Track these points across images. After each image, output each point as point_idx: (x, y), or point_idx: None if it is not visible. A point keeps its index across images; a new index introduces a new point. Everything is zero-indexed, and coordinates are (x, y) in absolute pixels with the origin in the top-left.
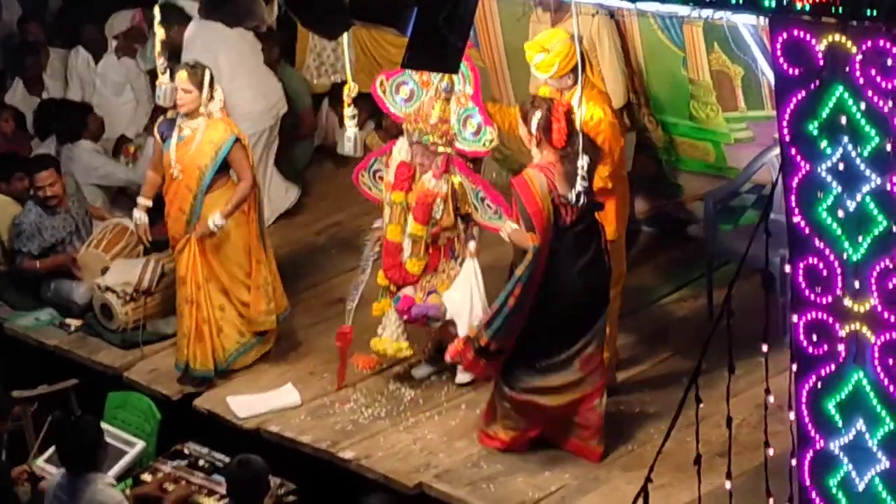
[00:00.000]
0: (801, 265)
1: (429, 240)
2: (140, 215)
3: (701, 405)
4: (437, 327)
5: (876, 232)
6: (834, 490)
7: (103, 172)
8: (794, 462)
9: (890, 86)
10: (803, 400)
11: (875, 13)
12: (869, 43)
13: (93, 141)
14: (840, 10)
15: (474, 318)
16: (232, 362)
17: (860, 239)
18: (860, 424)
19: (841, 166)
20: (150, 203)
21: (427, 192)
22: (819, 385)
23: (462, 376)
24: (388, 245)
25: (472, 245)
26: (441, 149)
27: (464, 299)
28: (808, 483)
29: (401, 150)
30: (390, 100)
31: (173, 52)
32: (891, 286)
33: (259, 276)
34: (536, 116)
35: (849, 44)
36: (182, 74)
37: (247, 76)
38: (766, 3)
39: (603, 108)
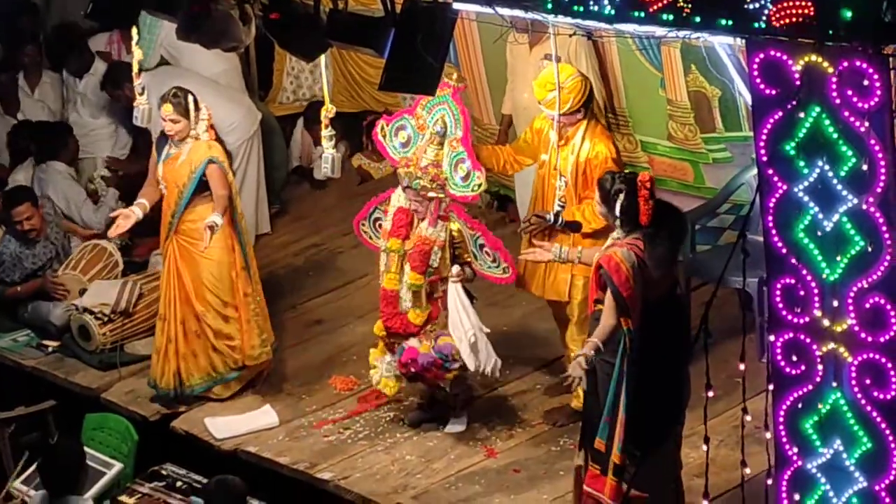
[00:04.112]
0: (779, 285)
1: (428, 289)
2: (133, 209)
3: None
4: (455, 370)
5: (853, 252)
6: None
7: (71, 200)
8: (771, 482)
9: (866, 106)
10: (781, 420)
11: (852, 33)
12: (846, 63)
13: (68, 164)
14: (817, 30)
15: (468, 343)
16: (199, 392)
17: (837, 259)
18: (838, 444)
19: (818, 186)
20: (146, 204)
21: (424, 239)
22: (797, 405)
23: (454, 426)
24: (385, 294)
25: (454, 269)
26: (432, 194)
27: (455, 326)
28: (786, 503)
29: (399, 196)
30: (390, 144)
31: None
32: (868, 306)
33: (248, 310)
34: (620, 199)
35: (825, 64)
36: (167, 108)
37: (212, 95)
38: (743, 24)
39: (607, 145)
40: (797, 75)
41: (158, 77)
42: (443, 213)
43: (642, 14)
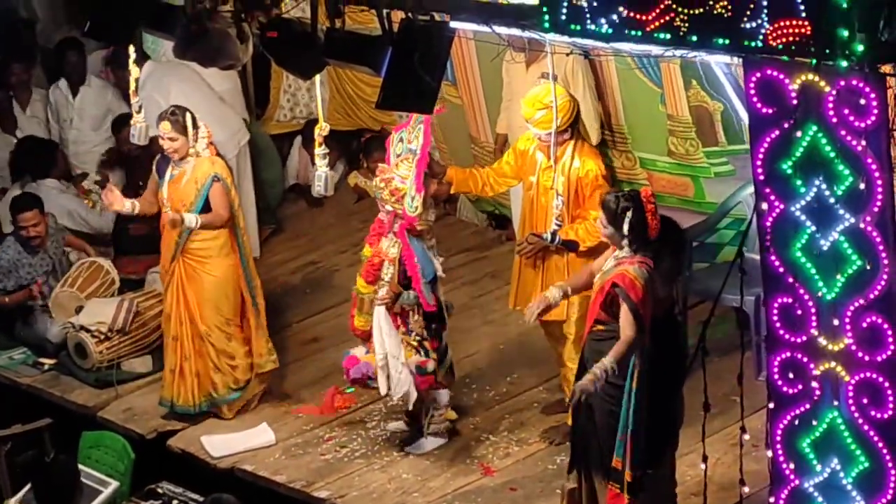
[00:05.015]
0: (776, 304)
1: (375, 299)
2: (128, 202)
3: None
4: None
5: (850, 271)
6: None
7: (73, 210)
8: (770, 500)
9: (863, 125)
10: (778, 439)
11: (848, 52)
12: (842, 82)
13: (59, 179)
14: (814, 49)
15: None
16: (206, 409)
17: (834, 278)
18: (835, 463)
19: (815, 205)
20: (139, 207)
21: (377, 252)
22: (794, 424)
23: (412, 448)
24: (354, 296)
25: (381, 291)
26: (388, 207)
27: (377, 346)
28: None
29: None
30: (392, 153)
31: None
32: (865, 325)
33: (254, 320)
34: (629, 217)
35: (822, 83)
36: (165, 125)
37: (203, 107)
38: (740, 43)
39: (596, 162)
40: (794, 94)
41: (158, 72)
42: (397, 229)
43: (639, 33)
